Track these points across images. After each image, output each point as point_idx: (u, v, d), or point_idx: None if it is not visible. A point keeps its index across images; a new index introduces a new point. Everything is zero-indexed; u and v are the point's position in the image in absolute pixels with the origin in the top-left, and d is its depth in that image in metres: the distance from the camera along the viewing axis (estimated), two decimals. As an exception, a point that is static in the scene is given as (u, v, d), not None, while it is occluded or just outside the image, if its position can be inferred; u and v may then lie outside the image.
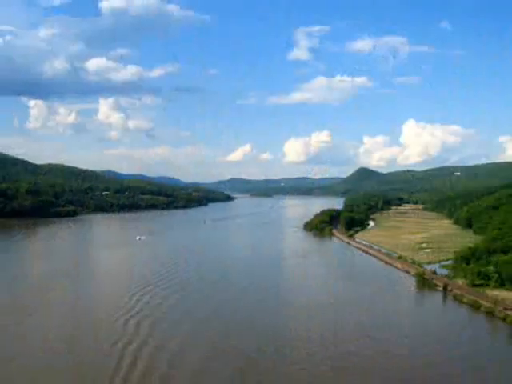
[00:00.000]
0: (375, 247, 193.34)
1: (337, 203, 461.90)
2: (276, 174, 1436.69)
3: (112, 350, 73.93)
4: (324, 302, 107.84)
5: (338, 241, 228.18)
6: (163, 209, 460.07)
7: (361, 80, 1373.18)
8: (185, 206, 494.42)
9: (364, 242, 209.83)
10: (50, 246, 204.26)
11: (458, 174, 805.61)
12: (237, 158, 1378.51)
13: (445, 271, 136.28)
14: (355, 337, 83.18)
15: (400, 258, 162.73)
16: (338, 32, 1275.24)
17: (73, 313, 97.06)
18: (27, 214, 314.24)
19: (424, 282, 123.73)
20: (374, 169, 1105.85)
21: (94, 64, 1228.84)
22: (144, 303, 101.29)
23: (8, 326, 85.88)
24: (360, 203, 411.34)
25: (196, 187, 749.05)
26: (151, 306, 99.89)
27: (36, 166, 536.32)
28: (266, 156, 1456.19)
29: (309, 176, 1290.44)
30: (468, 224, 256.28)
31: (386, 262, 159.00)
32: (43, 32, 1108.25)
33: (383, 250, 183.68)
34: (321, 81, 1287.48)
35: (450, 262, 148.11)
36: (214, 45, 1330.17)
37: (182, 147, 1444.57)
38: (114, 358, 70.63)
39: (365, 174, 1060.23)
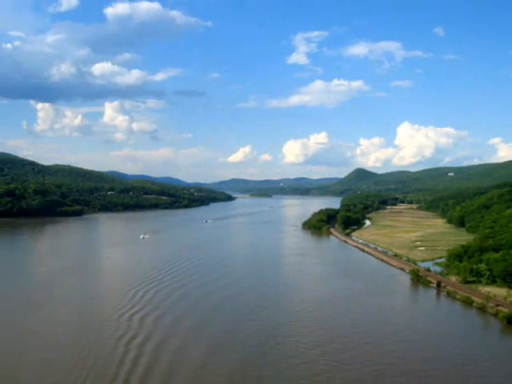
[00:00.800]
0: (371, 245, 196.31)
1: (334, 203, 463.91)
2: (275, 175, 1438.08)
3: (117, 345, 75.93)
4: (322, 298, 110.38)
5: (335, 239, 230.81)
6: (166, 208, 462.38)
7: (357, 84, 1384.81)
8: (187, 206, 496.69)
9: (360, 241, 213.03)
10: (57, 244, 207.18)
11: (452, 174, 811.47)
12: (237, 159, 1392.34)
13: (438, 268, 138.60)
14: (352, 332, 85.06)
15: (395, 255, 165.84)
16: (335, 37, 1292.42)
17: (79, 308, 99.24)
18: (35, 213, 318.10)
19: (418, 279, 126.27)
20: (370, 169, 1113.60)
21: (100, 68, 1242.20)
22: (148, 299, 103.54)
23: (18, 321, 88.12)
24: (356, 203, 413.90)
25: (198, 187, 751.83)
26: (155, 301, 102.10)
27: (43, 166, 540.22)
28: (265, 157, 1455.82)
29: (307, 176, 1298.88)
30: (461, 223, 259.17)
31: (382, 260, 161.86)
32: (50, 37, 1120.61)
33: (379, 248, 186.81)
34: (319, 84, 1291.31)
35: (443, 260, 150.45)
36: (216, 50, 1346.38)
37: (184, 149, 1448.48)
38: (118, 352, 72.77)
39: (361, 174, 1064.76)
